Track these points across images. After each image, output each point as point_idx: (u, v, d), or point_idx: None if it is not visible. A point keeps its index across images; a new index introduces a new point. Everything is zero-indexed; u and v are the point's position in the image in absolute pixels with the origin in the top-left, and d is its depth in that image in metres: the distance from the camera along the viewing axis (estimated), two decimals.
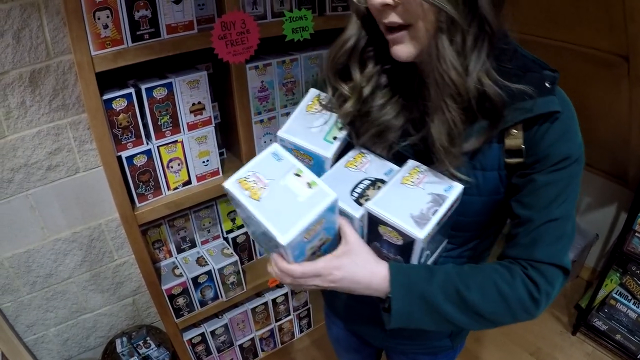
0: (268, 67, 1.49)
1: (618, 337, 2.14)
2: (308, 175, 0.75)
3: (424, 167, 0.81)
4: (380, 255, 0.82)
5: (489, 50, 0.72)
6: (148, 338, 1.78)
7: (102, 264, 1.73)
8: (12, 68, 1.34)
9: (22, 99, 1.39)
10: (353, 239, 0.79)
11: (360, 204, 0.80)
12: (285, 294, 1.98)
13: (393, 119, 0.84)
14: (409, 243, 0.75)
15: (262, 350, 2.09)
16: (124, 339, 1.79)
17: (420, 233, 0.72)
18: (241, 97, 1.45)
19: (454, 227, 0.85)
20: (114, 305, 1.84)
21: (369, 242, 0.82)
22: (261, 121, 1.55)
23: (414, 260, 0.78)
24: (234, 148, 1.66)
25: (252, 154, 1.57)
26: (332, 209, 0.74)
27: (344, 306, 1.13)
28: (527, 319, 0.80)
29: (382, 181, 0.84)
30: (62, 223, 1.60)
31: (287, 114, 1.59)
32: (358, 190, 0.82)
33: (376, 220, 0.77)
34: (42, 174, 1.50)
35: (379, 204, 0.76)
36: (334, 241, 0.81)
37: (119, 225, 1.69)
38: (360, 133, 0.87)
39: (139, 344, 1.77)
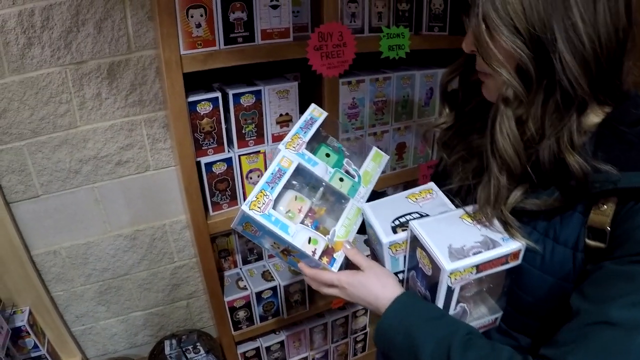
0: (361, 83, 1.40)
1: None
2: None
3: None
4: (414, 288, 0.78)
5: (581, 114, 0.63)
6: (198, 343, 1.72)
7: (160, 265, 1.68)
8: (90, 58, 1.28)
9: (98, 91, 1.33)
10: (366, 265, 0.80)
11: (396, 233, 0.78)
12: (346, 317, 1.88)
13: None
14: (436, 274, 0.68)
15: None
16: (174, 341, 1.74)
17: (448, 265, 0.65)
18: (331, 112, 1.35)
19: (517, 308, 0.72)
20: (167, 306, 1.78)
21: (409, 269, 0.79)
22: (348, 139, 1.45)
23: (440, 302, 0.69)
24: None
25: None
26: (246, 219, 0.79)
27: None
28: None
29: None
30: (125, 219, 1.55)
31: (375, 134, 1.50)
32: (402, 219, 0.80)
33: (414, 240, 0.73)
34: (110, 168, 1.45)
35: (423, 225, 0.73)
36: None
37: (183, 227, 1.63)
38: (453, 153, 0.86)
39: (188, 349, 1.71)
